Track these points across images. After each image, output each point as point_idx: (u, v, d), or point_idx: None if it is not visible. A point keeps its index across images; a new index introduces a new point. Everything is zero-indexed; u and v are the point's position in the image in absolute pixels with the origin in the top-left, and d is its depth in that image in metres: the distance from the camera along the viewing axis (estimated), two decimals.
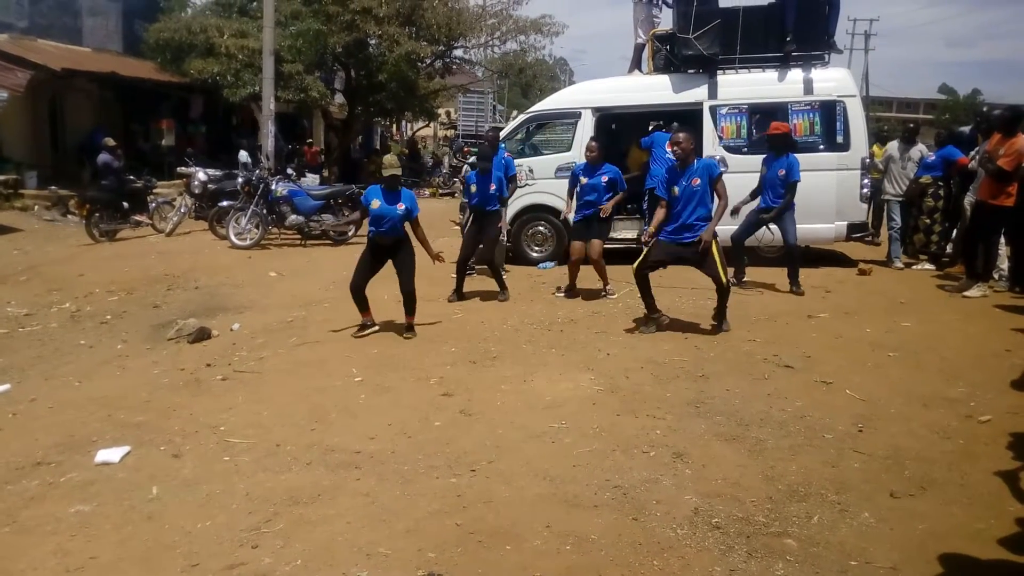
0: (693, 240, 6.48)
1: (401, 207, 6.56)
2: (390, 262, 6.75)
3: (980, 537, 3.31)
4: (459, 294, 8.09)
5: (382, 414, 4.89)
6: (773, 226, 8.26)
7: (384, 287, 7.08)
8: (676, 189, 6.53)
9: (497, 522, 3.49)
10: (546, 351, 6.22)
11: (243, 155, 19.01)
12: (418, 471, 4.04)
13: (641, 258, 6.68)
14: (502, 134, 10.49)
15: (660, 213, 6.64)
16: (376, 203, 6.56)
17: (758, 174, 8.32)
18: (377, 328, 6.82)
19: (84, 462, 4.28)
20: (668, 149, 6.75)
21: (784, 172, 8.01)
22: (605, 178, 7.83)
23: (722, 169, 6.84)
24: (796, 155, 8.12)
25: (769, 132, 8.36)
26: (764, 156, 8.41)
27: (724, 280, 6.51)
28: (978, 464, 4.01)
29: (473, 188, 8.14)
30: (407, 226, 6.70)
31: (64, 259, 10.98)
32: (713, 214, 6.52)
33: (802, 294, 8.04)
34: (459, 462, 4.13)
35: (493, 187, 8.08)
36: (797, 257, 8.26)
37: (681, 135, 6.64)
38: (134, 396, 5.35)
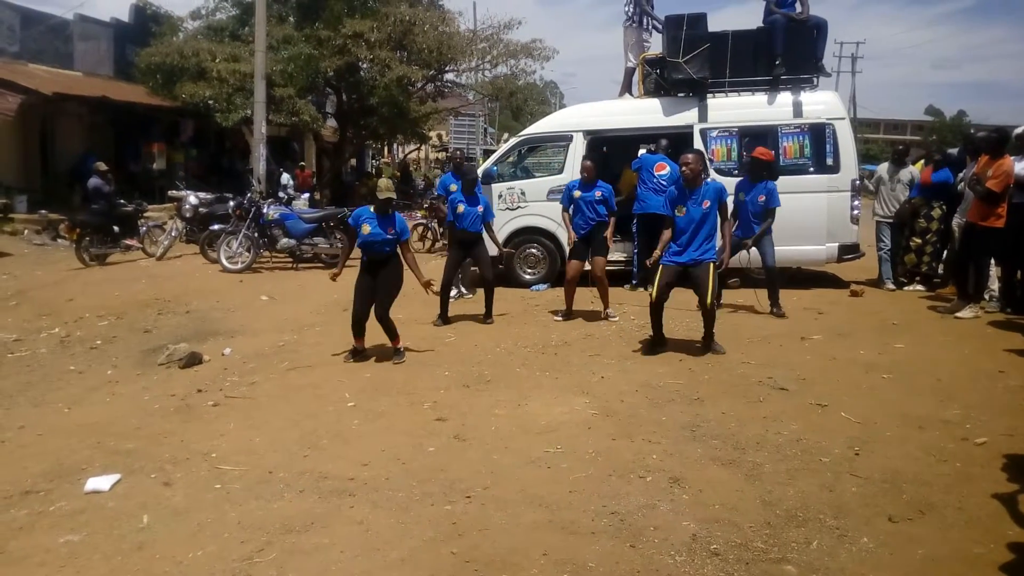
0: (701, 261, 6.48)
1: (392, 232, 6.57)
2: None
3: (979, 562, 3.29)
4: (444, 318, 8.05)
5: (375, 440, 4.85)
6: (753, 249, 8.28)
7: None
8: (683, 209, 6.51)
9: (493, 550, 3.44)
10: (540, 375, 6.19)
11: (286, 177, 19.16)
12: (412, 498, 3.99)
13: (655, 288, 6.62)
14: (492, 157, 10.52)
15: (667, 235, 6.59)
16: (367, 228, 6.55)
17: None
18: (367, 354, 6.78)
19: (73, 491, 4.21)
20: (680, 169, 6.59)
21: (764, 198, 8.09)
22: (599, 193, 7.84)
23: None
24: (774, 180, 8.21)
25: (755, 155, 8.33)
26: (738, 181, 8.46)
27: (708, 302, 6.47)
28: (975, 487, 4.00)
29: (461, 209, 7.97)
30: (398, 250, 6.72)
31: (54, 283, 10.90)
32: (723, 236, 6.66)
33: (784, 316, 8.05)
34: (454, 488, 4.09)
35: (481, 209, 7.99)
36: (777, 279, 8.31)
37: (690, 155, 6.62)
38: (124, 423, 5.29)
